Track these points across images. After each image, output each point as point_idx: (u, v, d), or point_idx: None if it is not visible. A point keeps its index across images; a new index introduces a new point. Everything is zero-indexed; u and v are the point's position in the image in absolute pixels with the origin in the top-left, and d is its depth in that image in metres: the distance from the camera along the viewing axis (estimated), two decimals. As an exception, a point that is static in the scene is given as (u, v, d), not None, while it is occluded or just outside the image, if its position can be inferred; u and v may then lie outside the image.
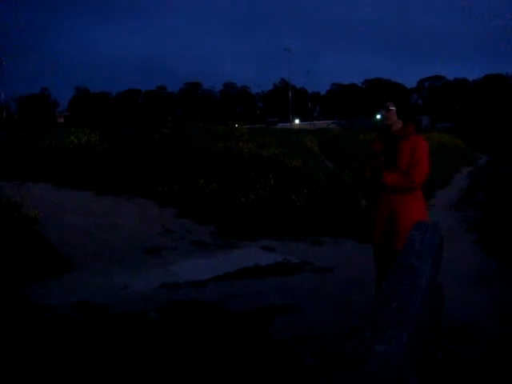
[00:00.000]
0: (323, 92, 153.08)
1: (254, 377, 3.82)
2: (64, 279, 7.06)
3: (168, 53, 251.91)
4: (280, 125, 69.48)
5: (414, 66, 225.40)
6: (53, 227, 8.36)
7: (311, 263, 8.05)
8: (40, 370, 3.94)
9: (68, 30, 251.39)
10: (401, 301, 1.72)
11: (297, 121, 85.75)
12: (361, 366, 1.26)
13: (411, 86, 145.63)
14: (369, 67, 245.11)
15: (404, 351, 1.38)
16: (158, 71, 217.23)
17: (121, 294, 6.51)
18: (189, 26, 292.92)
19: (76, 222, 9.09)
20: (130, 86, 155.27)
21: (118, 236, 9.07)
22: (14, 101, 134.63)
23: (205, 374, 3.87)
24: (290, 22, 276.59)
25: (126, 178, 11.36)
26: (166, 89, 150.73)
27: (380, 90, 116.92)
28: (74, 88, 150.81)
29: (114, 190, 11.00)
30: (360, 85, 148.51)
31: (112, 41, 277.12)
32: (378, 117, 5.03)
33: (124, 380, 3.79)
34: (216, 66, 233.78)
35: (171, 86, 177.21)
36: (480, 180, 22.99)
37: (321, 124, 69.73)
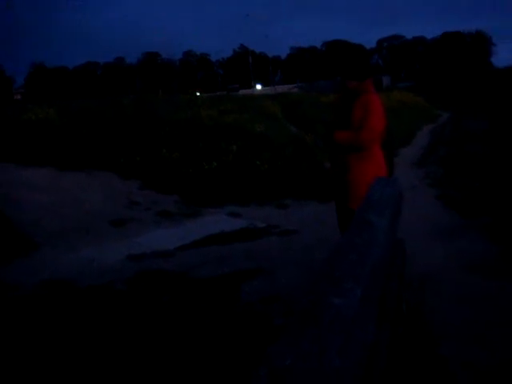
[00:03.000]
0: (284, 56, 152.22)
1: (224, 341, 3.85)
2: (30, 258, 6.96)
3: (125, 23, 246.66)
4: (242, 91, 69.11)
5: (374, 27, 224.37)
6: (15, 206, 8.22)
7: (277, 226, 8.09)
8: (8, 348, 3.91)
9: (20, 3, 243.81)
10: (357, 254, 1.73)
11: (259, 86, 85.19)
12: (316, 319, 1.27)
13: (371, 46, 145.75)
14: (329, 29, 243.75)
15: (360, 303, 1.39)
16: (115, 42, 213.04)
17: (88, 268, 6.46)
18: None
19: (39, 200, 8.95)
20: (88, 59, 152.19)
21: (83, 211, 8.97)
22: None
23: (173, 342, 3.88)
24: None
25: (88, 152, 11.19)
26: (125, 60, 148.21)
27: (339, 52, 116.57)
28: (29, 63, 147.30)
29: (76, 164, 10.83)
30: (320, 47, 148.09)
31: (66, 13, 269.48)
32: None
33: (92, 353, 3.78)
34: (174, 35, 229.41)
35: (130, 58, 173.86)
36: (442, 137, 23.24)
37: (283, 88, 69.38)
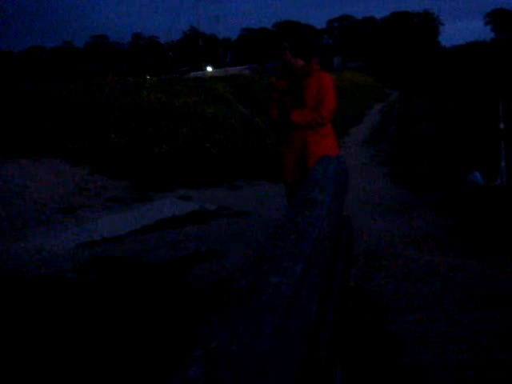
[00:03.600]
0: (234, 37, 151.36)
1: (176, 324, 3.82)
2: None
3: (71, 6, 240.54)
4: (192, 74, 68.33)
5: (324, 7, 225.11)
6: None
7: (229, 208, 8.07)
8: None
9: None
10: (299, 232, 1.71)
11: (209, 68, 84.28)
12: (253, 298, 1.25)
13: (321, 26, 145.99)
14: (279, 10, 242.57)
15: (300, 282, 1.37)
16: (61, 26, 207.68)
17: (37, 258, 6.33)
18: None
19: (-18, 191, 8.71)
20: (33, 43, 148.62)
21: (30, 199, 8.76)
22: None
23: (124, 328, 3.84)
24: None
25: (34, 139, 10.89)
26: (72, 44, 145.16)
27: (285, 33, 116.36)
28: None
29: (21, 152, 10.52)
30: (271, 28, 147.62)
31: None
32: None
33: (39, 342, 3.71)
34: (122, 18, 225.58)
35: (77, 41, 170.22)
36: (391, 115, 23.56)
37: (234, 70, 69.00)
